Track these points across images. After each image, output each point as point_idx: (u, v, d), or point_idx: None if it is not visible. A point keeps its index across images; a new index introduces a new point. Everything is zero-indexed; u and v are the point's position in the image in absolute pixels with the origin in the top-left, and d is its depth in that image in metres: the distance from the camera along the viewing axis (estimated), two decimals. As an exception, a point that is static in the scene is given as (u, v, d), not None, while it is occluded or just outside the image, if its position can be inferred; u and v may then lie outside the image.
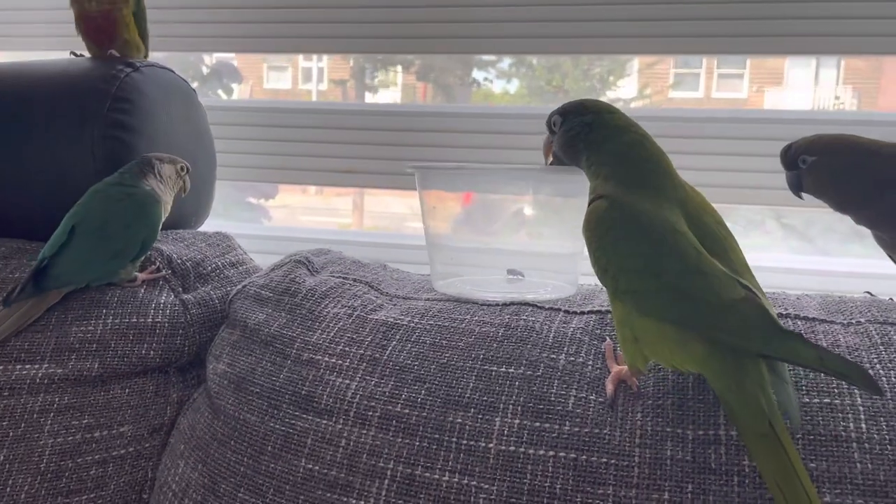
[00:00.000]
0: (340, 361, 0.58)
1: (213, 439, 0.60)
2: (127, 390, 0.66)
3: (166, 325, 0.68)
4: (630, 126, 0.53)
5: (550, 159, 0.58)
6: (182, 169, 0.73)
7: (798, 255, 1.14)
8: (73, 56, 0.84)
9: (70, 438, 0.63)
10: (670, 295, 0.45)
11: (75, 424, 0.63)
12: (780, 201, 0.97)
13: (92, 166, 0.73)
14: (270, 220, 1.59)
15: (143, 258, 0.70)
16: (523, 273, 0.67)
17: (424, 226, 0.67)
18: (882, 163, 0.59)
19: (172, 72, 0.84)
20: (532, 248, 0.67)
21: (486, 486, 0.49)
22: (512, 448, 0.50)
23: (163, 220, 0.70)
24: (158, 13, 1.08)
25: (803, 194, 0.64)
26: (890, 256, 0.64)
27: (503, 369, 0.55)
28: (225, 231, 0.83)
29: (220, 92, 1.50)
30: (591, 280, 0.73)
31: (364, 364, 0.57)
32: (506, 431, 0.51)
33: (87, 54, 0.85)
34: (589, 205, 0.51)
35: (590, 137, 0.53)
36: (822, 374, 0.49)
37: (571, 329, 0.58)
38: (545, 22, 0.98)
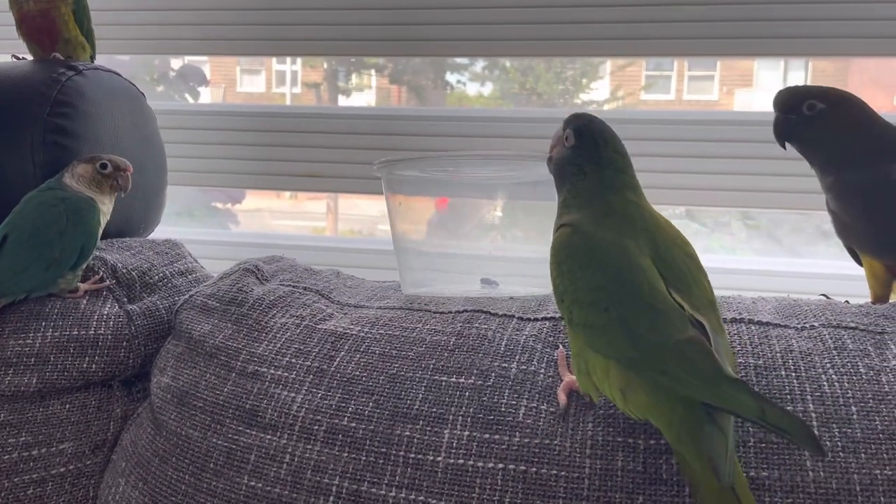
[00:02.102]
0: (286, 374, 0.56)
1: (155, 456, 0.57)
2: (67, 406, 0.64)
3: (109, 337, 0.66)
4: (617, 153, 0.50)
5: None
6: (103, 166, 0.68)
7: (762, 256, 1.14)
8: (14, 59, 0.81)
9: (6, 457, 0.60)
10: (616, 331, 0.42)
11: (12, 442, 0.61)
12: (748, 203, 0.97)
13: (32, 172, 0.71)
14: (238, 224, 1.57)
15: (83, 267, 0.68)
16: (498, 282, 0.65)
17: (392, 231, 0.65)
18: (878, 133, 0.58)
19: (119, 75, 0.81)
20: (504, 253, 0.66)
21: (434, 501, 0.48)
22: (461, 461, 0.49)
23: (103, 225, 0.68)
24: (129, 15, 1.06)
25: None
26: (845, 246, 0.64)
27: (453, 379, 0.53)
28: (192, 237, 0.81)
29: (186, 95, 1.48)
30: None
31: (310, 376, 0.55)
32: (454, 444, 0.50)
33: (29, 57, 0.82)
34: (555, 232, 0.49)
35: (584, 175, 0.49)
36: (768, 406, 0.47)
37: (524, 337, 0.56)
38: (518, 25, 0.97)
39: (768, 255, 1.15)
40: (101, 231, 0.68)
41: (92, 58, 0.85)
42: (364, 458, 0.50)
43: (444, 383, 0.53)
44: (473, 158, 0.67)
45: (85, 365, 0.64)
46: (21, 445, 0.61)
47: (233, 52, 1.17)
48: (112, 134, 0.77)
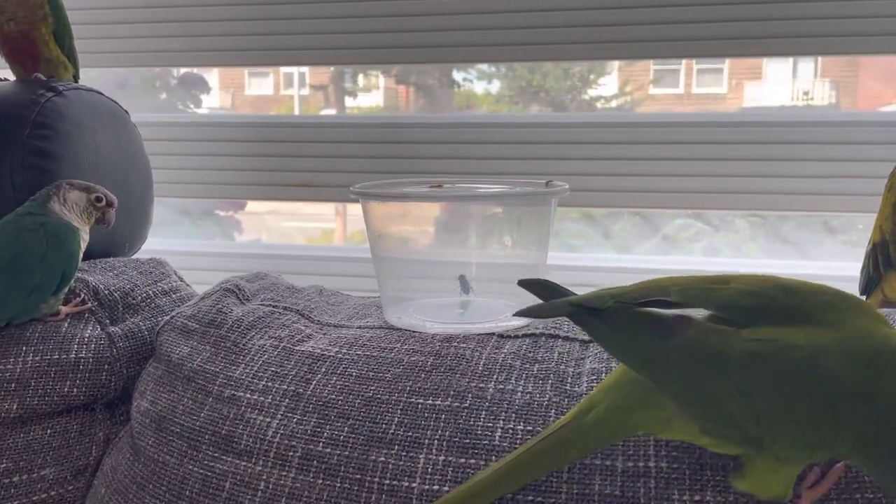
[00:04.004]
0: (262, 398, 0.55)
1: (133, 483, 0.57)
2: (48, 431, 0.63)
3: (91, 360, 0.65)
4: None
5: None
6: (98, 199, 0.68)
7: (768, 257, 1.13)
8: (-4, 81, 0.81)
9: (-14, 485, 0.60)
10: None
11: (-8, 470, 0.61)
12: (758, 205, 0.96)
13: (12, 196, 0.71)
14: (241, 232, 1.56)
15: (65, 290, 0.67)
16: (473, 287, 0.63)
17: (371, 244, 0.63)
18: None
19: (101, 94, 0.81)
20: (492, 261, 0.64)
21: (408, 529, 0.47)
22: (436, 487, 0.48)
23: (83, 249, 0.67)
24: (131, 28, 1.06)
25: None
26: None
27: (429, 401, 0.52)
28: (198, 249, 0.81)
29: (189, 104, 1.48)
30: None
31: (286, 400, 0.55)
32: (429, 469, 0.49)
33: (12, 78, 0.82)
34: None
35: None
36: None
37: (503, 355, 0.55)
38: (524, 29, 0.97)
39: (773, 253, 1.13)
40: (81, 255, 0.67)
41: (75, 77, 0.84)
42: (339, 484, 0.50)
43: (420, 406, 0.52)
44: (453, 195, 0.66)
45: (66, 389, 0.64)
46: (1, 472, 0.61)
47: (238, 63, 1.17)
48: (94, 154, 0.76)
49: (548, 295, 0.43)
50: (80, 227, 0.67)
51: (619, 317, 0.41)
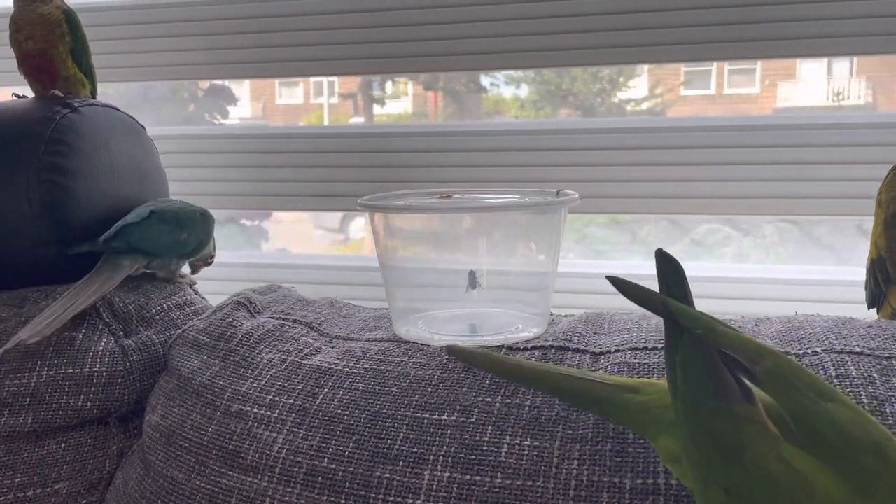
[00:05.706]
0: (269, 413, 0.55)
1: (143, 497, 0.57)
2: (63, 445, 0.64)
3: (104, 373, 0.66)
4: None
5: None
6: (209, 258, 0.86)
7: (798, 263, 1.10)
8: (14, 98, 0.82)
9: (1, 499, 0.61)
10: None
11: (7, 483, 0.61)
12: (792, 210, 0.94)
13: (28, 211, 0.71)
14: (268, 241, 1.57)
15: (191, 259, 0.81)
16: (482, 284, 0.62)
17: (379, 256, 0.63)
18: None
19: (116, 109, 0.81)
20: (501, 270, 0.63)
21: (412, 548, 0.46)
22: (440, 504, 0.47)
23: (206, 249, 0.82)
24: (159, 42, 1.08)
25: None
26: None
27: (436, 416, 0.52)
28: (220, 259, 0.86)
29: (216, 115, 1.49)
30: (560, 303, 0.69)
31: (293, 415, 0.54)
32: (434, 486, 0.48)
33: (30, 95, 0.83)
34: None
35: None
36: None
37: (512, 368, 0.54)
38: (553, 35, 0.96)
39: (806, 258, 1.11)
40: (212, 242, 0.83)
41: (93, 93, 0.85)
42: (343, 501, 0.49)
43: (426, 421, 0.51)
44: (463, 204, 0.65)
45: (80, 403, 0.64)
46: (16, 486, 0.61)
47: (264, 75, 1.17)
48: (109, 169, 0.77)
49: (668, 282, 0.41)
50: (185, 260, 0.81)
51: (697, 346, 0.37)
